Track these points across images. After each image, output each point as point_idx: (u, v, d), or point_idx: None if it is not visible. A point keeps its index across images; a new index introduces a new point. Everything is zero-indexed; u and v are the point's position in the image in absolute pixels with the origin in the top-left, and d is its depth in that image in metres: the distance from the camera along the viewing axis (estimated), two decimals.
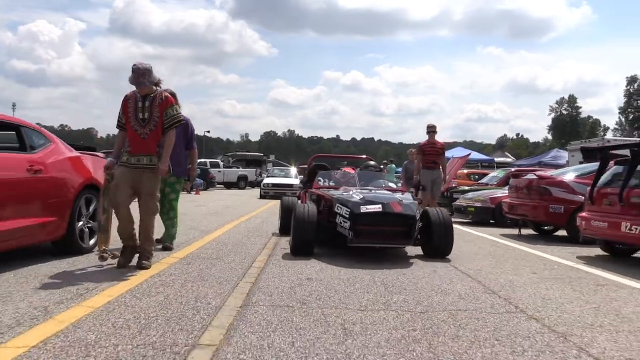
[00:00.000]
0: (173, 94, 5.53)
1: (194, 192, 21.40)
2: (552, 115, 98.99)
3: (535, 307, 3.88)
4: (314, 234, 5.84)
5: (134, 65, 4.94)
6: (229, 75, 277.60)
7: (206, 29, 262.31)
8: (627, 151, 6.51)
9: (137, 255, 4.95)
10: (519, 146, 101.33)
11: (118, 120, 5.07)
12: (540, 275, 5.31)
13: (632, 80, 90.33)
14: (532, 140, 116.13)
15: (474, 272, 5.33)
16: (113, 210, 4.94)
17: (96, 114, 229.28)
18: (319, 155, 10.61)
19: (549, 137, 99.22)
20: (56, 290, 3.83)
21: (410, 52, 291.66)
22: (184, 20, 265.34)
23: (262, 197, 20.76)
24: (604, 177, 6.84)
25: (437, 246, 6.04)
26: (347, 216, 5.74)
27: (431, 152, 10.40)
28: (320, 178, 7.76)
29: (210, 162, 31.41)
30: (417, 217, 5.93)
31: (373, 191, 6.70)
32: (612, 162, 6.99)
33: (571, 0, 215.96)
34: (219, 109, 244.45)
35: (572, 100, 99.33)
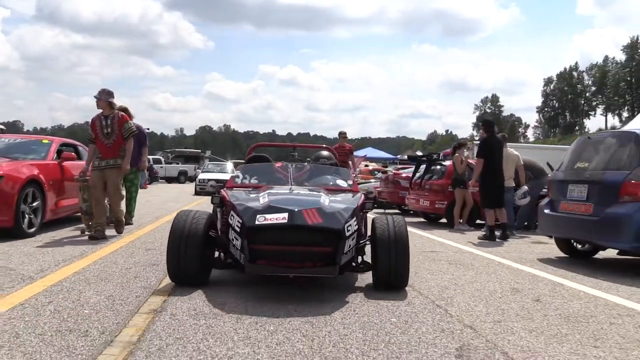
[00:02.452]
0: (125, 109, 7.64)
1: (142, 187, 24.97)
2: (477, 113, 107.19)
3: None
4: (198, 256, 4.13)
5: (101, 89, 7.36)
6: (163, 68, 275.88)
7: (139, 19, 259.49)
8: (426, 159, 11.30)
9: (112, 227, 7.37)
10: (446, 142, 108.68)
11: (89, 137, 7.18)
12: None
13: (548, 81, 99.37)
14: (460, 136, 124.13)
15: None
16: (93, 198, 7.06)
17: (19, 105, 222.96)
18: (260, 145, 8.71)
19: (475, 134, 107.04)
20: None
21: (347, 49, 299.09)
22: (116, 10, 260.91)
23: (197, 193, 20.74)
24: (417, 174, 11.62)
25: (384, 274, 4.21)
26: (239, 230, 4.02)
27: (341, 154, 12.36)
28: (239, 174, 5.73)
29: (153, 158, 34.90)
30: (351, 232, 4.07)
31: (295, 192, 4.71)
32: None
33: (501, 2, 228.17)
34: (152, 102, 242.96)
35: (495, 99, 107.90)
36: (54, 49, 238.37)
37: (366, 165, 26.09)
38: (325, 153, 7.02)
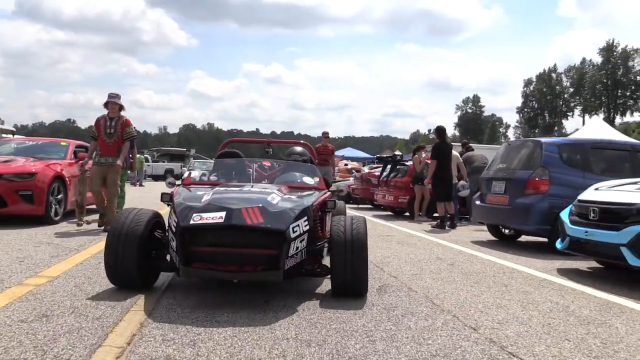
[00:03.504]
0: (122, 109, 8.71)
1: (134, 184, 26.28)
2: (459, 113, 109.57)
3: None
4: (135, 257, 3.86)
5: (111, 92, 8.13)
6: (146, 65, 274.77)
7: (122, 15, 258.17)
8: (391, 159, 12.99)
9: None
10: (428, 142, 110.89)
11: (91, 135, 7.80)
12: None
13: (528, 82, 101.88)
14: None
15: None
16: (87, 192, 7.94)
17: None
18: (233, 140, 8.41)
19: (457, 133, 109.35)
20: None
21: (331, 47, 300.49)
22: (98, 6, 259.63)
23: None
24: (385, 172, 13.31)
25: (341, 279, 3.91)
26: (174, 230, 3.82)
27: (324, 153, 13.48)
28: (197, 169, 5.83)
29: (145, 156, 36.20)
30: (299, 233, 3.79)
31: (246, 190, 4.50)
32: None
33: (484, 2, 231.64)
34: (135, 99, 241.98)
35: (476, 99, 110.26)
36: (35, 45, 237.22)
37: (345, 164, 27.78)
38: (298, 149, 6.74)
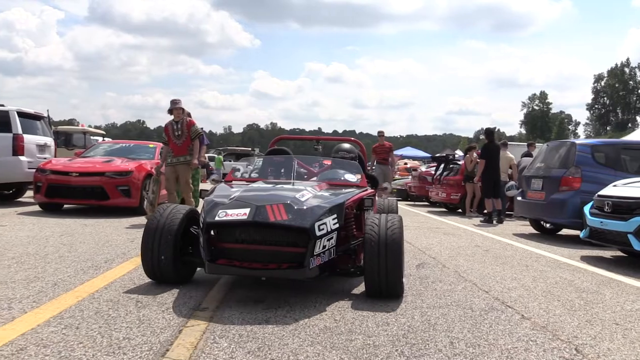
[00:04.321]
0: (188, 113, 8.52)
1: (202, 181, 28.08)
2: (525, 110, 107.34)
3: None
4: (171, 253, 3.99)
5: (173, 99, 8.96)
6: (210, 66, 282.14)
7: (188, 18, 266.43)
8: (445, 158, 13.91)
9: None
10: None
11: (163, 140, 8.45)
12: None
13: (599, 77, 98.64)
14: (508, 134, 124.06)
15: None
16: (159, 191, 9.49)
17: (74, 103, 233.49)
18: (282, 137, 8.52)
19: (523, 131, 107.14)
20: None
21: (392, 45, 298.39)
22: (165, 10, 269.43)
23: None
24: (438, 171, 14.22)
25: (373, 280, 3.85)
26: (201, 226, 3.86)
27: (381, 151, 13.92)
28: (239, 167, 5.90)
29: (208, 156, 38.34)
30: (326, 231, 3.75)
31: (279, 186, 4.56)
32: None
33: None
34: (200, 100, 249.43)
35: (543, 96, 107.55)
36: (106, 49, 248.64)
37: (405, 163, 28.65)
38: (346, 146, 6.44)
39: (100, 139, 17.59)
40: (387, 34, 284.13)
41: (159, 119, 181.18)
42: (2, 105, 11.04)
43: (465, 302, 4.03)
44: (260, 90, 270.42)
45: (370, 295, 3.95)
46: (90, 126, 24.36)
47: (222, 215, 3.75)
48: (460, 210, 13.61)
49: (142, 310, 3.46)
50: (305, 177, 5.40)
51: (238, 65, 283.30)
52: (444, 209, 14.72)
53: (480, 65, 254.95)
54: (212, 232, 3.84)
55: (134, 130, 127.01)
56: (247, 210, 3.72)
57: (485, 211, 11.36)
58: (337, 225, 3.86)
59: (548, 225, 9.37)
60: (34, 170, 10.03)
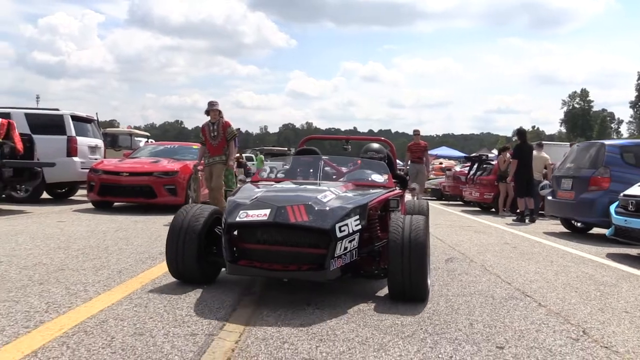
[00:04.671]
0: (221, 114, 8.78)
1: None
2: (565, 108, 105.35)
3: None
4: (195, 253, 4.03)
5: (211, 101, 9.34)
6: (247, 67, 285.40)
7: (224, 20, 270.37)
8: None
9: None
10: (532, 138, 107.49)
11: (200, 141, 8.82)
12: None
13: None
14: (548, 132, 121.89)
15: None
16: (199, 189, 10.24)
17: (114, 105, 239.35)
18: (311, 137, 8.55)
19: (563, 130, 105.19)
20: None
21: (428, 43, 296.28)
22: (202, 12, 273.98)
23: None
24: (472, 171, 14.50)
25: (397, 283, 3.79)
26: (223, 227, 3.91)
27: (416, 150, 14.07)
28: (266, 167, 5.93)
29: (245, 156, 39.13)
30: (347, 232, 3.72)
31: (302, 187, 4.60)
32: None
33: None
34: (237, 100, 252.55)
35: (584, 94, 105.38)
36: (145, 51, 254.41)
37: (440, 163, 28.80)
38: (375, 146, 6.42)
39: (143, 140, 18.40)
40: (423, 32, 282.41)
41: (196, 119, 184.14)
42: (57, 110, 11.82)
43: (488, 292, 4.41)
44: (296, 90, 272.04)
45: (394, 298, 3.90)
46: (130, 126, 25.28)
47: (242, 216, 3.75)
48: (493, 209, 13.85)
49: (197, 293, 3.96)
50: (333, 177, 5.35)
51: (274, 66, 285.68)
52: (477, 208, 14.96)
53: (520, 62, 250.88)
54: (234, 233, 3.87)
55: (172, 131, 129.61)
56: (267, 211, 3.72)
57: (518, 210, 11.60)
58: (359, 227, 3.83)
59: (579, 224, 9.59)
60: (87, 170, 10.77)
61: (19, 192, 10.74)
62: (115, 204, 10.67)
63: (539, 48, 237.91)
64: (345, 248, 3.73)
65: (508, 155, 13.03)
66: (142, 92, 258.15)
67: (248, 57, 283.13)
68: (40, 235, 6.54)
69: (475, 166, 14.93)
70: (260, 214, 3.73)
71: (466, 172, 16.18)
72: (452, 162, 32.55)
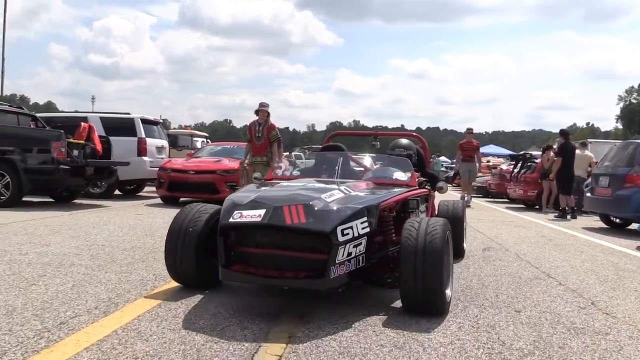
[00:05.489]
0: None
1: None
2: (621, 104, 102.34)
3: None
4: (194, 255, 3.76)
5: (262, 102, 10.11)
6: (294, 66, 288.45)
7: (272, 19, 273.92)
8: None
9: None
10: (584, 136, 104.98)
11: (247, 138, 9.53)
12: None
13: None
14: (603, 129, 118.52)
15: None
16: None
17: (165, 105, 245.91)
18: (339, 133, 8.20)
19: (619, 126, 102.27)
20: None
21: (478, 39, 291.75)
22: (250, 12, 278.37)
23: None
24: (516, 169, 15.01)
25: (409, 293, 3.40)
26: (217, 229, 3.54)
27: (468, 149, 14.57)
28: (281, 165, 5.45)
29: (294, 154, 40.25)
30: (351, 236, 3.36)
31: (310, 185, 4.15)
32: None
33: None
34: (284, 99, 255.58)
35: None
36: (195, 51, 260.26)
37: (487, 161, 29.09)
38: (403, 142, 6.05)
39: (200, 140, 19.63)
40: (472, 28, 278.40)
41: (245, 118, 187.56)
42: (128, 114, 13.03)
43: (516, 273, 5.14)
44: (343, 88, 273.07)
45: (407, 310, 3.50)
46: (180, 126, 26.59)
47: (236, 217, 3.43)
48: (537, 206, 14.33)
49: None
50: (355, 175, 4.98)
51: (321, 64, 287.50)
52: (522, 206, 15.44)
53: (573, 57, 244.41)
54: (231, 235, 3.56)
55: (221, 130, 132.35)
56: (262, 212, 3.39)
57: (560, 207, 12.10)
58: (367, 230, 3.46)
59: (617, 220, 10.07)
60: (155, 168, 11.94)
61: (96, 188, 11.98)
62: (181, 199, 11.77)
63: (594, 41, 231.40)
64: (350, 253, 3.35)
65: (552, 154, 13.51)
66: (192, 92, 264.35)
67: (296, 56, 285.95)
68: (126, 225, 7.60)
69: (520, 164, 15.44)
70: (255, 215, 3.40)
71: (511, 170, 16.67)
72: (500, 159, 32.75)
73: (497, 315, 3.65)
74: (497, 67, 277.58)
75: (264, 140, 9.10)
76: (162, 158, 13.17)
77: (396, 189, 4.35)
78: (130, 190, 13.87)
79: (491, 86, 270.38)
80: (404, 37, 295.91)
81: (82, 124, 10.83)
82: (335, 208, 3.51)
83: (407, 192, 4.42)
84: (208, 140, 19.97)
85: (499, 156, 37.09)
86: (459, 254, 5.65)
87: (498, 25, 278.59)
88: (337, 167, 4.90)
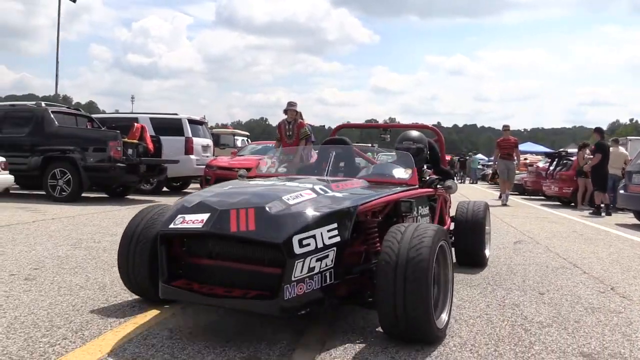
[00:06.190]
0: (300, 114, 9.27)
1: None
2: None
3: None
4: (147, 263, 3.21)
5: (290, 101, 10.28)
6: (330, 63, 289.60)
7: (308, 17, 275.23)
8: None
9: None
10: (628, 133, 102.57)
11: (277, 138, 9.40)
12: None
13: None
14: None
15: None
16: None
17: (203, 103, 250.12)
18: (344, 126, 7.54)
19: None
20: None
21: (516, 34, 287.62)
22: (286, 10, 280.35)
23: None
24: (551, 167, 15.24)
25: (388, 317, 2.78)
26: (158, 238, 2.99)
27: (506, 146, 14.38)
28: (267, 160, 4.81)
29: None
30: (313, 247, 2.72)
31: (281, 183, 3.45)
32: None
33: None
34: (320, 97, 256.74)
35: None
36: (232, 50, 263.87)
37: (525, 159, 29.12)
38: (413, 134, 5.07)
39: (240, 138, 20.39)
40: (511, 23, 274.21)
41: (280, 116, 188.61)
42: (176, 114, 13.78)
43: (544, 263, 5.56)
44: (378, 86, 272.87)
45: (388, 335, 2.90)
46: (222, 125, 27.37)
47: (178, 222, 2.87)
48: (573, 203, 14.53)
49: None
50: (353, 171, 4.36)
51: (357, 61, 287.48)
52: (557, 203, 15.65)
53: (616, 51, 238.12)
54: (177, 243, 3.01)
55: (258, 128, 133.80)
56: (205, 217, 2.81)
57: (596, 204, 12.33)
58: (336, 239, 2.81)
59: None
60: (201, 166, 12.65)
61: (147, 185, 12.76)
62: None
63: (639, 35, 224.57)
64: (312, 268, 2.70)
65: (588, 151, 13.72)
66: (229, 91, 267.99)
67: (331, 53, 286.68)
68: None
69: (556, 162, 15.66)
70: (196, 220, 2.82)
71: (547, 167, 16.87)
72: (538, 157, 32.67)
73: (522, 296, 4.11)
74: (536, 62, 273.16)
75: (294, 138, 9.14)
76: (207, 156, 13.87)
77: (391, 189, 3.73)
78: (177, 186, 14.63)
79: (530, 82, 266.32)
80: (440, 33, 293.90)
81: (135, 124, 11.60)
82: (295, 212, 2.84)
83: (401, 192, 3.74)
84: (248, 139, 20.70)
85: (536, 154, 37.02)
86: (480, 262, 5.15)
87: (536, 20, 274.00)
88: (328, 163, 4.29)
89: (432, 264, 2.78)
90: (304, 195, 3.08)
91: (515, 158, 14.40)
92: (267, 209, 2.82)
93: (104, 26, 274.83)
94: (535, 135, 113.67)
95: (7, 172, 9.41)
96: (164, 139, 12.48)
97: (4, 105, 11.73)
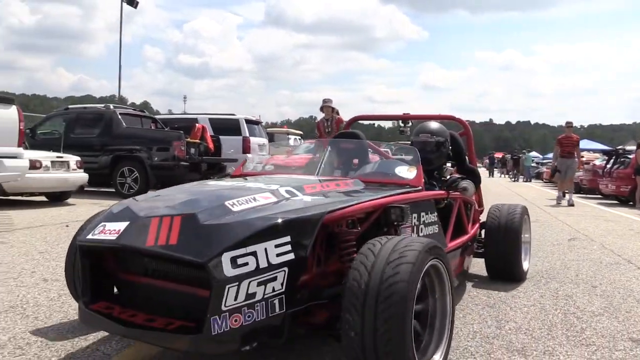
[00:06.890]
0: (337, 111, 9.51)
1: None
2: None
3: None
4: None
5: (325, 98, 10.59)
6: (378, 61, 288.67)
7: (356, 15, 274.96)
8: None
9: None
10: None
11: (316, 136, 9.71)
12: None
13: None
14: None
15: None
16: None
17: (251, 102, 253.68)
18: (360, 117, 6.42)
19: None
20: None
21: (571, 28, 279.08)
22: (334, 8, 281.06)
23: None
24: (608, 165, 15.07)
25: (355, 352, 2.12)
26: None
27: (567, 144, 13.91)
28: (252, 156, 3.44)
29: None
30: (254, 267, 2.09)
31: (239, 186, 2.80)
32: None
33: None
34: (368, 95, 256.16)
35: None
36: (280, 49, 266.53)
37: (582, 157, 28.60)
38: (432, 125, 4.32)
39: (292, 137, 20.86)
40: (565, 16, 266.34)
41: None
42: (233, 115, 14.34)
43: (598, 259, 5.73)
44: (427, 83, 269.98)
45: None
46: (285, 126, 27.94)
47: (97, 232, 2.38)
48: (631, 202, 14.33)
49: None
50: (347, 170, 3.76)
51: (406, 58, 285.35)
52: (615, 201, 15.43)
53: None
54: (108, 257, 2.50)
55: (307, 126, 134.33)
56: (123, 226, 2.32)
57: None
58: (288, 257, 2.20)
59: None
60: None
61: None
62: None
63: None
64: (252, 295, 2.10)
65: None
66: (278, 89, 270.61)
67: (380, 51, 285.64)
68: None
69: (613, 159, 15.45)
70: (113, 231, 2.32)
71: (604, 165, 16.63)
72: (595, 155, 31.93)
73: (575, 288, 4.34)
74: (592, 57, 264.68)
75: (333, 135, 8.52)
76: (263, 155, 14.36)
77: (385, 191, 3.02)
78: None
79: (586, 77, 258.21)
80: (490, 28, 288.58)
81: (197, 125, 12.19)
82: (232, 222, 2.22)
83: (395, 195, 2.98)
84: (301, 138, 21.14)
85: (594, 151, 36.14)
86: (514, 277, 4.47)
87: (591, 13, 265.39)
88: (321, 160, 3.65)
89: (414, 291, 2.13)
90: (259, 200, 2.46)
91: (577, 156, 14.05)
92: (198, 217, 2.21)
93: (156, 28, 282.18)
94: (593, 132, 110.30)
95: (82, 170, 10.11)
96: (222, 138, 13.04)
97: (76, 108, 12.56)
